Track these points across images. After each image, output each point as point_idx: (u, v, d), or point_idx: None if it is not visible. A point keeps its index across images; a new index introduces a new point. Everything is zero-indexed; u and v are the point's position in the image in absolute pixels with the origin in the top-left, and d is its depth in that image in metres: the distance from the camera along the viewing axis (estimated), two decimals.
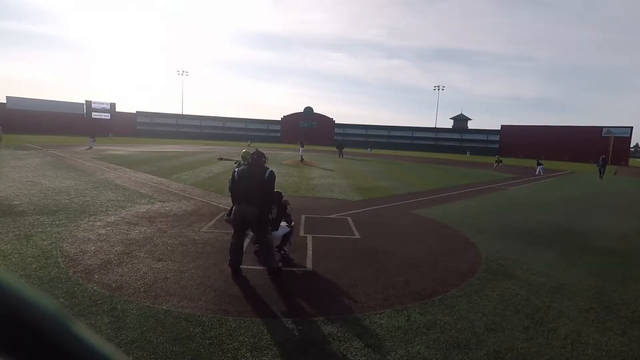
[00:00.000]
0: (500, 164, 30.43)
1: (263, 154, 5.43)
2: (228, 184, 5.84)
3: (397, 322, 4.07)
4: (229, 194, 8.58)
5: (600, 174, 25.51)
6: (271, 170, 5.23)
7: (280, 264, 5.36)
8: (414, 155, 48.21)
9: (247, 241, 6.54)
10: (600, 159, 26.26)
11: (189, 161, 22.27)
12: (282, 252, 6.12)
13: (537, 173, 26.48)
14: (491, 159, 32.56)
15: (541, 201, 13.87)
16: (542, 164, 27.23)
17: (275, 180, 5.28)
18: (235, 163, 8.40)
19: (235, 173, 5.34)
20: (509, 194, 15.75)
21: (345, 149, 37.64)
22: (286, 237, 6.11)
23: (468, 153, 62.08)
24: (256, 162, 5.28)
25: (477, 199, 13.66)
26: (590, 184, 22.29)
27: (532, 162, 41.42)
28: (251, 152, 5.73)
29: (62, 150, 26.05)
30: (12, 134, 37.79)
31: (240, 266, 5.32)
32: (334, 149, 41.80)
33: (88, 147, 28.31)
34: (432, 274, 5.58)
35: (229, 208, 8.47)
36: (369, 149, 49.23)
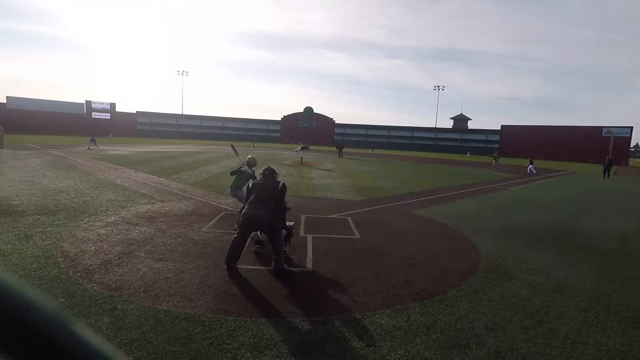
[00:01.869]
0: (497, 161, 31.11)
1: (274, 170, 6.03)
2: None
3: (397, 322, 4.07)
4: (229, 194, 8.62)
5: (605, 174, 26.58)
6: (284, 183, 5.77)
7: (286, 266, 5.43)
8: (414, 155, 48.21)
9: (247, 241, 6.54)
10: (607, 159, 27.36)
11: (189, 161, 22.27)
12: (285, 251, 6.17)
13: (528, 172, 27.11)
14: (492, 159, 32.50)
15: (541, 201, 13.87)
16: (532, 163, 28.00)
17: (286, 191, 5.80)
18: (239, 167, 8.16)
19: (251, 183, 5.83)
20: (509, 194, 15.75)
21: (345, 149, 37.67)
22: (286, 238, 6.14)
23: (468, 153, 62.07)
24: (269, 176, 5.85)
25: (477, 199, 13.66)
26: (590, 183, 22.28)
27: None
28: (256, 159, 6.07)
29: (62, 150, 26.05)
30: (12, 134, 37.79)
31: (238, 266, 5.38)
32: (334, 149, 41.80)
33: (87, 148, 28.21)
34: (432, 274, 5.58)
35: (239, 210, 8.21)
36: (370, 150, 49.18)
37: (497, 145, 65.17)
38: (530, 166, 27.50)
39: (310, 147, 40.30)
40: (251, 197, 5.50)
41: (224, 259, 5.38)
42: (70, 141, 37.36)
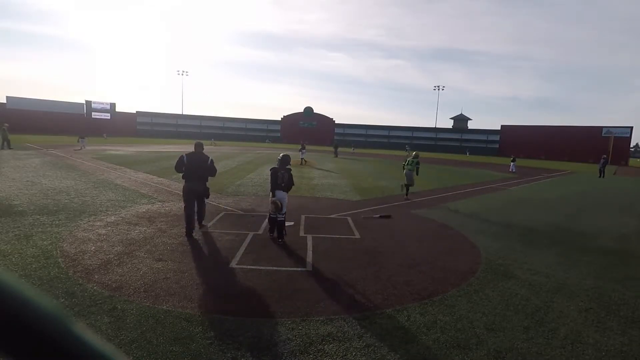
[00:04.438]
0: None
1: (202, 144, 7.26)
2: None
3: (397, 322, 4.07)
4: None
5: (600, 173, 26.94)
6: (212, 158, 7.11)
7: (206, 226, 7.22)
8: None
9: (248, 241, 6.56)
10: (602, 158, 27.95)
11: None
12: (280, 241, 6.66)
13: (510, 169, 28.00)
14: (492, 159, 32.74)
15: (541, 201, 13.87)
16: (514, 161, 29.14)
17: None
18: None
19: (185, 158, 6.88)
20: (509, 193, 15.75)
21: (340, 149, 37.85)
22: (280, 227, 6.68)
23: (467, 153, 62.06)
24: (200, 149, 7.07)
25: (477, 199, 13.66)
26: (590, 183, 22.28)
27: (532, 163, 41.47)
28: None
29: (62, 150, 26.04)
30: (12, 134, 37.73)
31: (238, 266, 5.51)
32: (331, 148, 41.76)
33: (79, 148, 27.76)
34: (432, 274, 5.58)
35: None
36: (352, 148, 48.94)
37: (497, 145, 65.45)
38: (512, 164, 28.61)
39: (309, 147, 40.20)
40: (188, 173, 6.84)
41: (185, 232, 6.68)
42: (70, 141, 37.32)
